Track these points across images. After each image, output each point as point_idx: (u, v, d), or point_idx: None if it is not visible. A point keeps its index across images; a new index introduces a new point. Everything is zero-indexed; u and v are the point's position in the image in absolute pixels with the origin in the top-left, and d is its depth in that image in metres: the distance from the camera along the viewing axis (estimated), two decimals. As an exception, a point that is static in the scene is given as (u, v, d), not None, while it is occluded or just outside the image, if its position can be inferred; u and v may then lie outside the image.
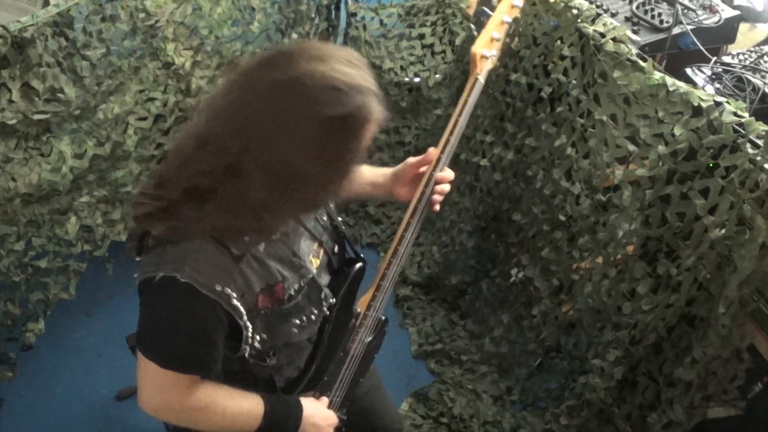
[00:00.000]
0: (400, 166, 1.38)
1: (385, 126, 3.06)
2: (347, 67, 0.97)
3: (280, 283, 1.13)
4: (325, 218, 1.28)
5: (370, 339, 1.41)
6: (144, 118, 2.21)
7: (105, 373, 2.30)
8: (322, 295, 1.23)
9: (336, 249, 1.31)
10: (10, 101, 1.82)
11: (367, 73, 1.00)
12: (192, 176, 1.00)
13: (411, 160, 1.36)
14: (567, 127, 1.90)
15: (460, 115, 1.41)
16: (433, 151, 1.35)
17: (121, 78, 2.11)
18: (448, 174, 1.39)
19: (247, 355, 1.14)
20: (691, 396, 1.61)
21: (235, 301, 1.05)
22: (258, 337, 1.13)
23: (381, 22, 2.76)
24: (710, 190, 1.47)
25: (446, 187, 1.37)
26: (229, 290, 1.04)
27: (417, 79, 2.75)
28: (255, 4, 2.42)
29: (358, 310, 1.36)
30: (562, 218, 1.95)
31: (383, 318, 1.45)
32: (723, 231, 1.47)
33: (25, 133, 1.92)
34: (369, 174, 1.42)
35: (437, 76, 2.73)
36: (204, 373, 1.12)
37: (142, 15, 2.07)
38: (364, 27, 2.75)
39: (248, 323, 1.09)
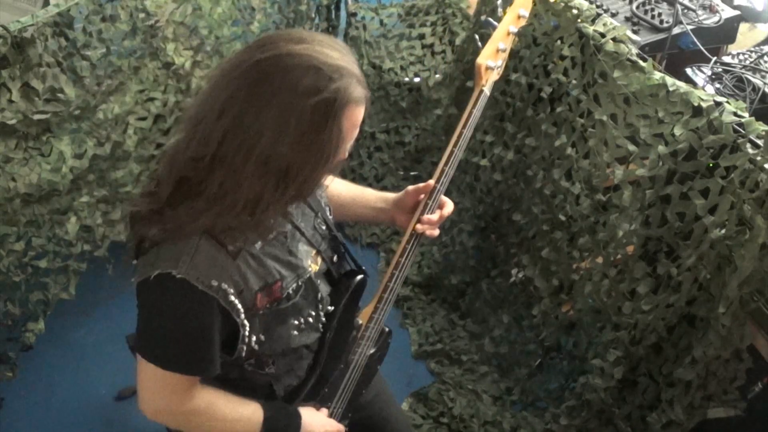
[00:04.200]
0: (400, 193, 1.38)
1: (385, 126, 3.06)
2: (328, 49, 0.97)
3: (278, 282, 1.12)
4: (324, 227, 1.27)
5: (372, 351, 1.40)
6: (144, 118, 2.21)
7: (105, 373, 2.30)
8: (319, 297, 1.22)
9: (335, 259, 1.30)
10: (10, 101, 1.82)
11: (349, 57, 1.00)
12: (183, 165, 1.00)
13: (410, 188, 1.36)
14: (567, 127, 1.90)
15: (464, 127, 1.38)
16: (431, 183, 1.34)
17: (121, 78, 2.11)
18: (447, 208, 1.37)
19: (243, 355, 1.13)
20: (691, 396, 1.61)
21: (232, 297, 1.04)
22: (254, 338, 1.13)
23: (381, 22, 2.76)
24: (710, 190, 1.47)
25: (435, 232, 1.36)
26: (225, 286, 1.03)
27: (417, 79, 2.75)
28: (255, 4, 2.42)
29: (360, 322, 1.35)
30: (562, 218, 1.95)
31: (387, 330, 1.44)
32: (723, 231, 1.47)
33: (25, 133, 1.92)
34: (373, 199, 1.42)
35: (437, 76, 2.73)
36: (203, 372, 1.12)
37: (142, 15, 2.07)
38: (364, 27, 2.75)
39: (245, 321, 1.09)
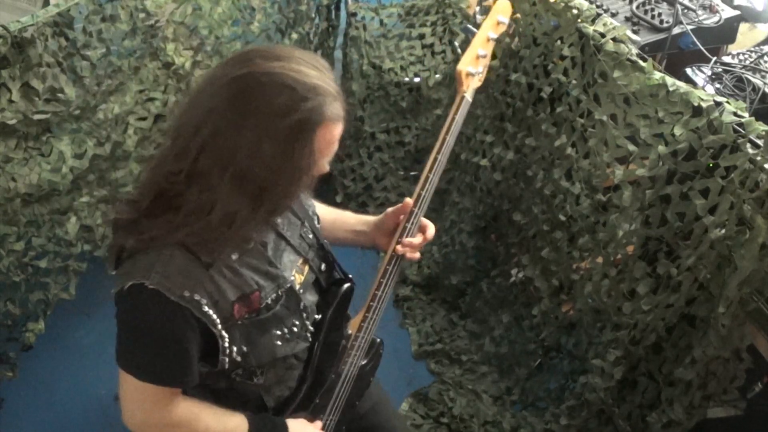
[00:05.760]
0: (380, 216, 1.38)
1: (385, 126, 3.06)
2: (305, 66, 0.98)
3: (256, 292, 1.11)
4: (311, 236, 1.26)
5: (364, 362, 1.40)
6: (144, 118, 2.21)
7: (105, 373, 2.29)
8: (302, 306, 1.21)
9: (323, 267, 1.29)
10: (10, 101, 1.82)
11: (327, 75, 1.01)
12: (161, 178, 1.01)
13: (390, 210, 1.35)
14: (567, 127, 1.90)
15: (447, 133, 1.39)
16: (408, 201, 1.33)
17: (121, 78, 2.11)
18: (429, 231, 1.36)
19: (227, 367, 1.12)
20: (691, 396, 1.62)
21: (206, 308, 1.04)
22: (236, 349, 1.11)
23: (381, 22, 2.76)
24: (710, 190, 1.47)
25: (416, 256, 1.35)
26: (198, 296, 1.03)
27: (417, 79, 2.75)
28: (255, 4, 2.42)
29: (349, 331, 1.34)
30: (562, 218, 1.95)
31: (378, 340, 1.43)
32: (723, 231, 1.47)
33: (25, 133, 1.92)
34: (353, 221, 1.42)
35: (437, 76, 2.73)
36: (178, 384, 1.11)
37: (142, 15, 2.07)
38: (364, 27, 2.74)
39: (224, 332, 1.08)
